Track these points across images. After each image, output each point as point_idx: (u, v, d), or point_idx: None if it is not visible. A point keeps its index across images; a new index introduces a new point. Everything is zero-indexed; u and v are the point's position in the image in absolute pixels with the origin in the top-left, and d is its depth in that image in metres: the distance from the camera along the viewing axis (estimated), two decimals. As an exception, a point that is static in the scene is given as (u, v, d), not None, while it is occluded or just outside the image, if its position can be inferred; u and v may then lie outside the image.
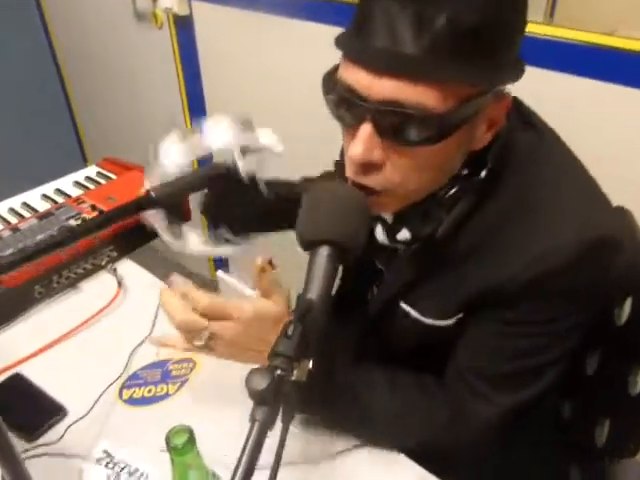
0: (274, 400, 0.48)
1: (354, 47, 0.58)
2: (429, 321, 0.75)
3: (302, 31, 1.44)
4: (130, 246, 1.17)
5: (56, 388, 0.90)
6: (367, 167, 0.62)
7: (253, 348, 0.69)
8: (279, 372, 0.49)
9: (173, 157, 0.69)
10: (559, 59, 1.13)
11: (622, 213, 0.77)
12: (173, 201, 0.70)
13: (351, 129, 0.62)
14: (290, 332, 0.51)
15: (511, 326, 0.68)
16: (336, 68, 0.62)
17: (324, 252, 0.58)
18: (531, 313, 0.67)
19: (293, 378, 0.52)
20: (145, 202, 0.64)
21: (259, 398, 0.47)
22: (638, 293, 0.77)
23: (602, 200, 0.69)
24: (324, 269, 0.58)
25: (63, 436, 0.82)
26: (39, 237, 1.10)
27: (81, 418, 0.84)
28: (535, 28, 1.12)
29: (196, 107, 1.93)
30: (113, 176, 1.33)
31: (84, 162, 2.80)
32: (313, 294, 0.57)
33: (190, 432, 0.56)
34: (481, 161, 0.66)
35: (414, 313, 0.76)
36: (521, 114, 0.71)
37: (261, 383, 0.47)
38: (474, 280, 0.68)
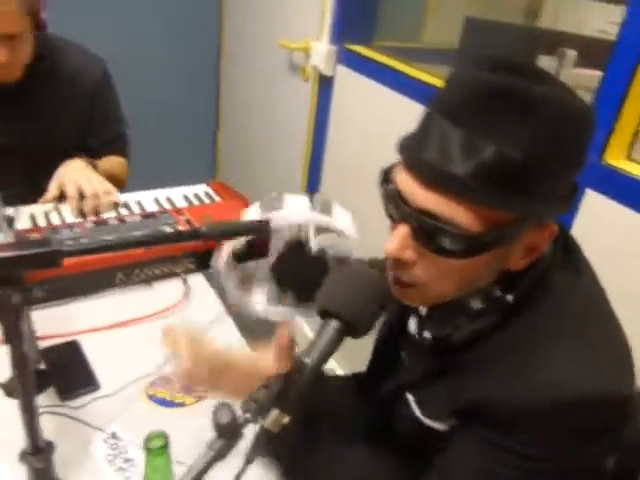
0: (232, 437, 0.53)
1: (409, 155, 0.64)
2: (425, 420, 0.77)
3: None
4: (209, 264, 1.29)
5: (99, 364, 1.02)
6: (400, 262, 0.67)
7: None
8: (246, 415, 0.55)
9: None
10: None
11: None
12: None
13: (393, 224, 0.67)
14: (270, 384, 0.57)
15: (496, 450, 0.68)
16: (394, 166, 0.69)
17: (333, 324, 0.64)
18: (519, 443, 0.66)
19: (265, 425, 0.58)
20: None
21: (219, 431, 0.53)
22: (622, 452, 0.73)
23: (622, 355, 0.68)
24: (327, 340, 0.63)
25: (86, 406, 0.93)
26: (136, 233, 1.26)
27: (107, 396, 0.95)
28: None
29: (316, 157, 2.07)
30: (218, 199, 1.48)
31: (212, 177, 3.09)
32: (309, 358, 0.62)
33: (166, 439, 0.63)
34: (514, 283, 0.68)
35: (414, 406, 0.78)
36: (566, 249, 0.72)
37: (224, 418, 0.53)
38: (475, 390, 0.69)
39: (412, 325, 0.79)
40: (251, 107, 2.62)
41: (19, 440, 0.77)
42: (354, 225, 0.91)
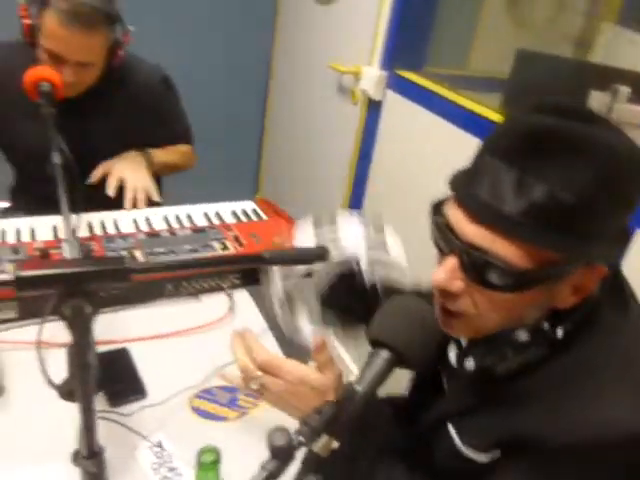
0: (286, 459, 0.56)
1: (461, 191, 0.66)
2: (466, 451, 0.77)
3: (474, 147, 1.54)
4: (253, 280, 1.33)
5: (147, 372, 1.05)
6: (447, 292, 0.69)
7: (295, 406, 0.78)
8: (300, 438, 0.57)
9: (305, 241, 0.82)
10: None
11: None
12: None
13: (441, 255, 0.69)
14: (323, 410, 0.59)
15: None
16: (445, 199, 0.71)
17: (383, 354, 0.66)
18: (563, 478, 0.67)
19: (315, 449, 0.60)
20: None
21: (274, 452, 0.56)
22: None
23: None
24: (378, 369, 0.66)
25: (134, 413, 0.96)
26: (186, 246, 1.30)
27: (153, 405, 0.99)
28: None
29: (360, 179, 2.10)
30: (264, 216, 1.52)
31: (254, 191, 3.15)
32: (360, 386, 0.64)
33: (217, 454, 0.65)
34: (562, 320, 0.69)
35: (455, 437, 0.79)
36: (616, 286, 0.72)
37: (280, 440, 0.56)
38: (520, 423, 0.70)
39: (452, 354, 0.81)
40: (297, 126, 2.67)
41: (72, 440, 0.81)
42: (403, 250, 0.92)
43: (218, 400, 1.02)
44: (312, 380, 0.77)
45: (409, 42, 1.85)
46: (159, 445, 0.92)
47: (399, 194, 1.89)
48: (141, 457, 0.90)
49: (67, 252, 0.86)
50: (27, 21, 1.28)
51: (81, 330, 0.67)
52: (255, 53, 2.81)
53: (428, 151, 1.74)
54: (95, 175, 1.42)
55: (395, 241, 0.90)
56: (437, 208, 0.71)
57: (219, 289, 1.29)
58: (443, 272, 0.67)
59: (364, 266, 0.83)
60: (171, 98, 1.65)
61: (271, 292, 0.94)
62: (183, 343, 1.16)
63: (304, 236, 0.87)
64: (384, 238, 0.87)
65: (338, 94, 2.22)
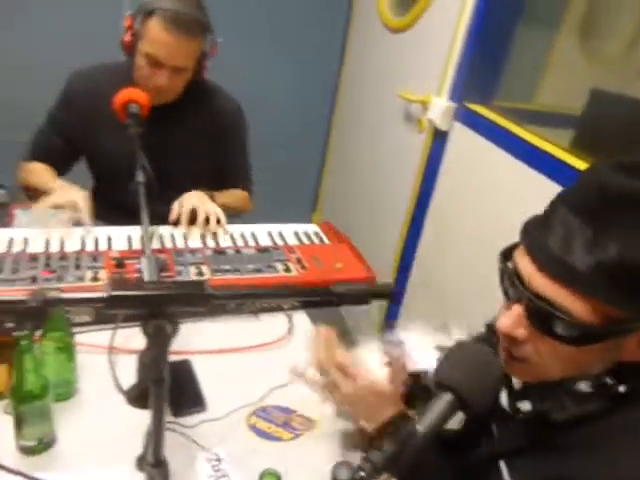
0: (348, 493, 0.58)
1: (532, 242, 0.67)
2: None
3: (539, 184, 1.52)
4: (313, 303, 1.36)
5: (208, 385, 1.10)
6: (512, 338, 0.70)
7: (360, 410, 0.80)
8: (362, 474, 0.60)
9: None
10: None
11: None
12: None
13: (507, 301, 0.70)
14: (385, 447, 0.61)
15: None
16: (515, 245, 0.72)
17: (447, 397, 0.68)
18: None
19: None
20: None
21: (338, 485, 0.58)
22: None
23: None
24: (440, 412, 0.67)
25: (195, 425, 1.00)
26: (250, 266, 1.35)
27: (214, 420, 1.03)
28: None
29: (421, 207, 2.11)
30: (327, 240, 1.55)
31: (312, 210, 3.21)
32: (421, 427, 0.66)
33: (279, 478, 0.68)
34: (627, 373, 0.69)
35: (507, 476, 0.79)
36: None
37: (344, 475, 0.58)
38: (575, 472, 0.69)
39: (503, 397, 0.81)
40: (360, 150, 2.70)
41: (137, 445, 0.86)
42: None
43: (274, 420, 1.05)
44: (382, 388, 0.79)
45: (480, 75, 1.86)
46: (217, 459, 0.96)
47: (460, 224, 1.89)
48: (199, 469, 0.94)
49: (145, 266, 0.92)
50: (131, 29, 1.41)
51: (160, 348, 0.71)
52: (322, 75, 2.88)
53: (492, 185, 1.73)
54: (171, 216, 1.48)
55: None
56: (506, 253, 0.73)
57: (279, 309, 1.33)
58: (509, 319, 0.68)
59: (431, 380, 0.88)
60: (243, 129, 1.73)
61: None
62: (241, 360, 1.20)
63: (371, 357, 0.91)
64: (450, 334, 0.90)
65: (404, 122, 2.25)
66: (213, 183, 1.63)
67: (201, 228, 1.48)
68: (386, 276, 2.28)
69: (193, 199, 1.51)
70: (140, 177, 1.14)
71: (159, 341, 0.71)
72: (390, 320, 2.30)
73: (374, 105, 2.54)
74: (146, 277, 0.89)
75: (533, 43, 1.97)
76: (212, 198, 1.55)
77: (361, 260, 1.44)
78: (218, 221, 1.50)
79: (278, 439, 1.02)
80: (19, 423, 0.88)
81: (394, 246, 2.31)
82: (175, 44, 1.38)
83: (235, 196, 1.73)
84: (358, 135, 2.74)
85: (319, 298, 0.71)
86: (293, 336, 1.28)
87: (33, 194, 1.64)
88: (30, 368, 0.89)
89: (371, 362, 0.89)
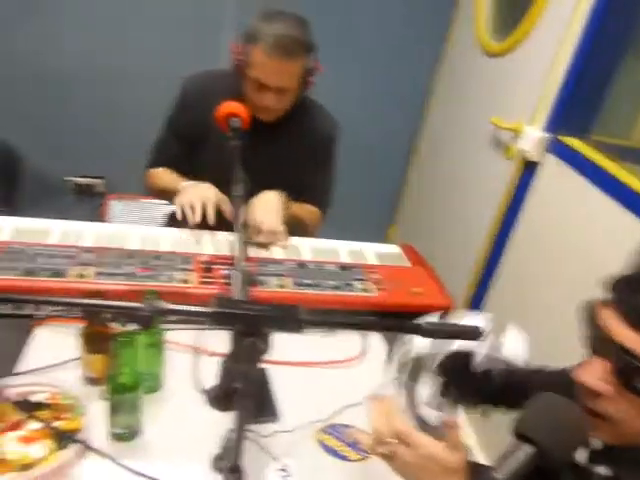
0: None
1: (619, 296, 0.67)
2: None
3: (635, 229, 1.46)
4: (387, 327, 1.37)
5: (282, 396, 1.14)
6: (594, 393, 0.69)
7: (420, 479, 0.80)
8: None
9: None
10: None
11: None
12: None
13: (591, 355, 0.69)
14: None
15: None
16: (600, 300, 0.71)
17: (527, 449, 0.67)
18: None
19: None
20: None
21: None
22: None
23: None
24: (520, 462, 0.67)
25: (268, 435, 1.04)
26: (330, 282, 1.38)
27: (286, 431, 1.06)
28: None
29: (501, 237, 2.07)
30: (407, 263, 1.56)
31: (388, 227, 3.21)
32: (499, 475, 0.66)
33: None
34: None
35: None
36: None
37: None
38: None
39: (582, 454, 0.79)
40: (443, 169, 2.69)
41: (213, 444, 0.90)
42: (526, 348, 0.94)
43: (342, 438, 1.08)
44: (443, 458, 0.78)
45: (579, 108, 1.80)
46: (286, 470, 0.99)
47: (542, 260, 1.84)
48: (269, 478, 0.98)
49: (235, 279, 0.97)
50: (239, 58, 1.48)
51: (252, 363, 0.75)
52: (411, 94, 2.87)
53: (583, 224, 1.67)
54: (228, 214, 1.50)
55: (517, 338, 0.92)
56: (590, 308, 0.72)
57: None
58: (592, 373, 0.68)
59: (480, 357, 0.87)
60: (334, 150, 1.75)
61: (400, 350, 0.97)
62: (313, 374, 1.23)
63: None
64: (505, 333, 0.90)
65: (493, 147, 2.22)
66: (291, 195, 1.66)
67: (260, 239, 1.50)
68: (456, 304, 2.25)
69: (260, 205, 1.52)
70: (238, 191, 1.19)
71: (252, 357, 0.75)
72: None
73: (462, 127, 2.52)
74: (236, 290, 0.94)
75: (634, 75, 1.89)
76: (287, 205, 1.59)
77: (440, 286, 1.44)
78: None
79: (346, 458, 1.04)
80: (112, 411, 0.96)
81: (468, 274, 2.27)
82: (278, 67, 1.44)
83: (308, 211, 1.75)
84: (442, 154, 2.72)
85: (401, 332, 0.73)
86: (366, 357, 1.30)
87: (164, 197, 1.75)
88: (126, 362, 0.96)
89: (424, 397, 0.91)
